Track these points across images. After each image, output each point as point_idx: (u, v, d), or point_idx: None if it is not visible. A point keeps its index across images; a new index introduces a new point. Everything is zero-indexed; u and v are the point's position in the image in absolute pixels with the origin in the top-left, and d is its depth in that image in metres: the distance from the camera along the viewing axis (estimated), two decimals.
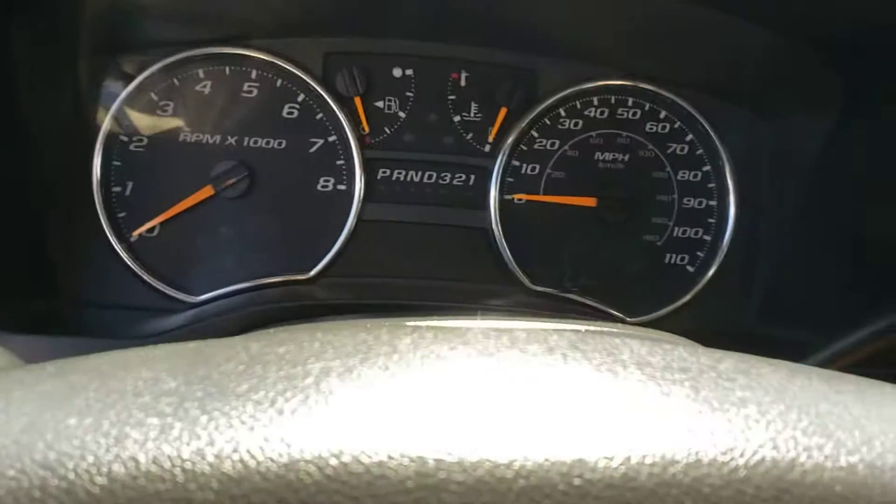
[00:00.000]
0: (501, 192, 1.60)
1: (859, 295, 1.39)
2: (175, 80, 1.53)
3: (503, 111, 1.60)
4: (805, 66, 1.44)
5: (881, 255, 1.39)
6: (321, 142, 1.57)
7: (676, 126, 1.64)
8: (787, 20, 1.35)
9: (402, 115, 1.60)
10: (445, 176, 1.61)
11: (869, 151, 1.43)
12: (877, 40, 1.29)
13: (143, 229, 1.51)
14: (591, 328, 0.93)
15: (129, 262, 1.50)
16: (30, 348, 1.19)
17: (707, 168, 1.65)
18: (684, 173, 1.65)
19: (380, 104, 1.59)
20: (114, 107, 1.50)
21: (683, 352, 0.56)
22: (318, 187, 1.57)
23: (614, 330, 0.94)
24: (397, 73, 1.59)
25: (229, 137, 1.54)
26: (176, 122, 1.53)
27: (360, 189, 1.56)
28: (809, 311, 1.52)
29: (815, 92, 1.48)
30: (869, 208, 1.43)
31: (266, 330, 1.16)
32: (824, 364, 1.17)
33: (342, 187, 1.57)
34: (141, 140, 1.52)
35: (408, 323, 0.73)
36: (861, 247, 1.43)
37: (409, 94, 1.60)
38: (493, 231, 1.59)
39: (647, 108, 1.64)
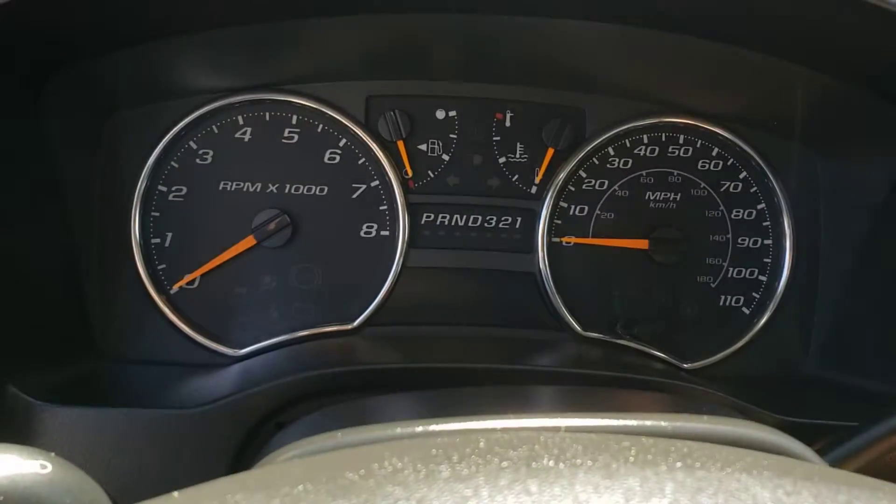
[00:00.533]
0: (549, 234, 1.56)
1: None
2: (214, 128, 1.50)
3: (550, 151, 1.56)
4: (866, 105, 1.38)
5: None
6: (364, 187, 1.53)
7: (730, 163, 1.59)
8: (838, 62, 1.29)
9: (445, 157, 1.55)
10: (491, 219, 1.56)
11: None
12: None
13: (183, 282, 1.48)
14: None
15: (170, 316, 1.47)
16: (75, 419, 1.17)
17: (762, 206, 1.59)
18: (738, 212, 1.59)
19: (423, 147, 1.55)
20: (152, 157, 1.47)
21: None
22: (361, 234, 1.53)
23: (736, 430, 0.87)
24: (440, 114, 1.55)
25: (270, 185, 1.50)
26: (216, 171, 1.50)
27: (405, 234, 1.52)
28: (871, 356, 1.45)
29: (878, 131, 1.41)
30: None
31: None
32: None
33: (385, 233, 1.53)
34: (180, 190, 1.49)
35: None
36: None
37: (452, 136, 1.55)
38: (541, 275, 1.55)
39: (698, 145, 1.58)
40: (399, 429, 0.84)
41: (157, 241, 1.49)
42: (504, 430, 0.84)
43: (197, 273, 1.48)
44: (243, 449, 1.19)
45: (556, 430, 0.81)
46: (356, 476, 0.55)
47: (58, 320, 1.38)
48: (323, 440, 0.85)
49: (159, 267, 1.48)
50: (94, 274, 1.45)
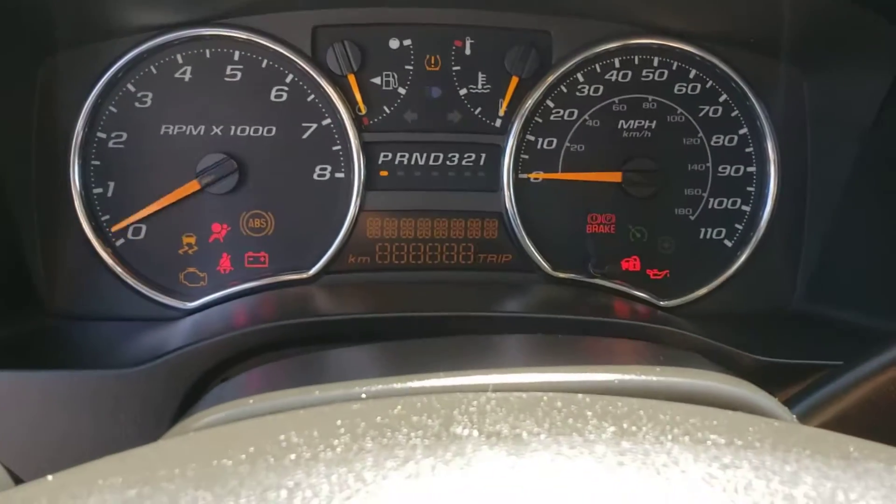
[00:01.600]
0: (516, 171, 1.46)
1: None
2: (153, 68, 1.40)
3: (514, 80, 1.45)
4: (855, 14, 1.26)
5: None
6: (314, 126, 1.43)
7: (709, 86, 1.47)
8: None
9: (401, 91, 1.45)
10: (453, 157, 1.46)
11: None
12: None
13: (124, 223, 1.39)
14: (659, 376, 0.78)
15: (115, 269, 1.39)
16: (6, 384, 1.10)
17: (744, 131, 1.48)
18: (718, 138, 1.48)
19: (377, 80, 1.44)
20: (88, 101, 1.37)
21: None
22: (314, 177, 1.44)
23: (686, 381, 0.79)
24: (394, 44, 1.44)
25: (215, 128, 1.41)
26: (157, 115, 1.40)
27: (360, 176, 1.43)
28: (862, 290, 1.36)
29: (867, 44, 1.30)
30: None
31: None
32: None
33: (340, 175, 1.44)
34: (120, 136, 1.40)
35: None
36: None
37: (408, 67, 1.45)
38: (508, 215, 1.45)
39: (674, 67, 1.47)
40: (318, 392, 0.77)
41: (99, 190, 1.40)
42: (432, 389, 0.76)
43: (139, 216, 1.39)
44: (184, 410, 1.12)
45: (485, 389, 0.73)
46: (239, 457, 0.51)
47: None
48: (233, 407, 0.78)
49: (102, 218, 1.40)
50: (35, 228, 1.37)
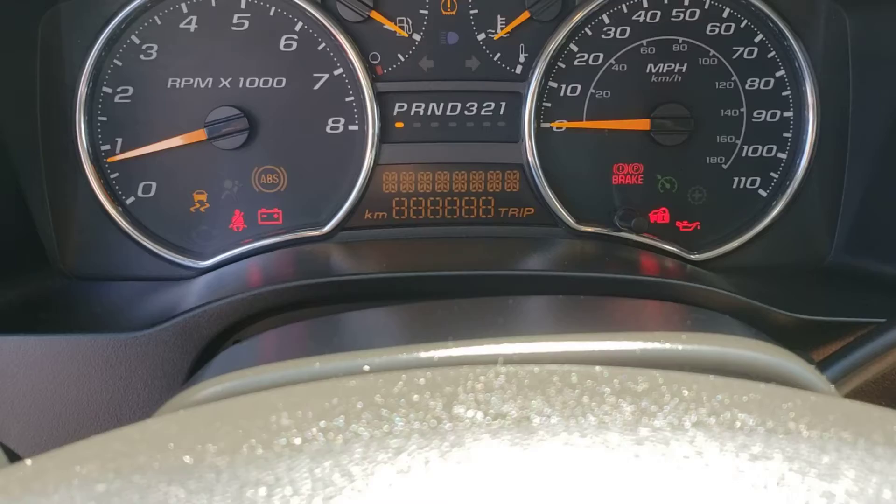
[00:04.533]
0: (538, 120, 1.39)
1: None
2: (157, 19, 1.34)
3: (535, 23, 1.37)
4: None
5: None
6: (326, 76, 1.37)
7: (743, 25, 1.39)
8: None
9: (416, 37, 1.38)
10: (471, 106, 1.40)
11: None
12: None
13: (124, 156, 1.35)
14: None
15: (126, 228, 1.36)
16: (18, 348, 1.08)
17: (781, 73, 1.39)
18: (754, 81, 1.40)
19: (390, 27, 1.37)
20: (92, 55, 1.32)
21: None
22: (327, 129, 1.38)
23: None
24: None
25: (223, 80, 1.36)
26: (163, 67, 1.35)
27: (375, 128, 1.37)
28: None
29: None
30: None
31: None
32: None
33: (354, 128, 1.38)
34: (126, 91, 1.35)
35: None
36: None
37: (423, 11, 1.38)
38: (529, 166, 1.39)
39: (706, 5, 1.38)
40: (318, 364, 0.73)
41: (107, 147, 1.36)
42: (439, 360, 0.72)
43: (141, 151, 1.35)
44: (195, 372, 1.10)
45: (495, 360, 0.69)
46: (220, 445, 0.48)
47: (7, 238, 1.29)
48: (230, 380, 0.74)
49: (112, 176, 1.36)
50: (44, 188, 1.34)
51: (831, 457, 0.45)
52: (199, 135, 1.35)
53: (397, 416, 0.51)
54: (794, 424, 0.50)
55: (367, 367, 0.70)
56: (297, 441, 0.48)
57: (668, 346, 0.73)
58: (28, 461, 0.47)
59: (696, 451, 0.45)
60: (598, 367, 0.59)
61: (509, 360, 0.69)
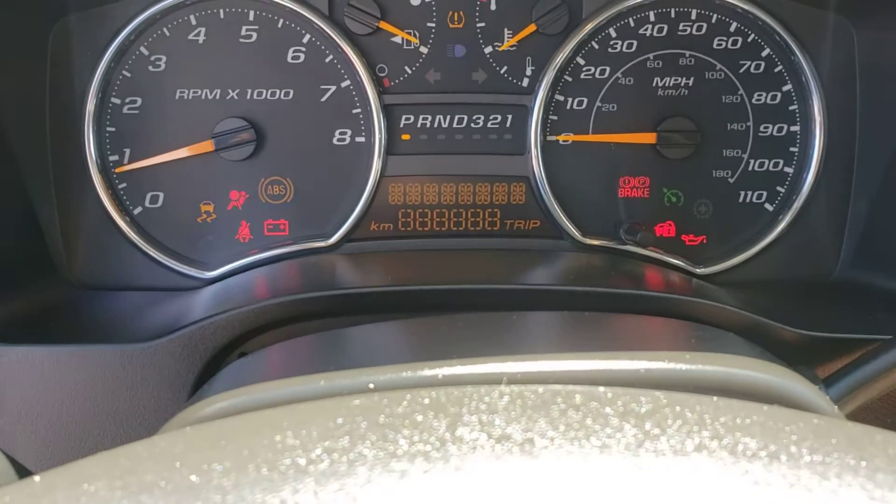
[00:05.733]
0: (544, 132, 1.39)
1: None
2: (166, 31, 1.35)
3: (542, 37, 1.37)
4: None
5: None
6: (333, 88, 1.37)
7: (750, 39, 1.39)
8: None
9: (423, 50, 1.38)
10: (478, 119, 1.40)
11: None
12: None
13: (132, 167, 1.36)
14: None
15: (133, 238, 1.37)
16: (25, 359, 1.09)
17: (788, 88, 1.40)
18: (760, 95, 1.40)
19: (397, 40, 1.38)
20: (101, 66, 1.33)
21: None
22: (334, 141, 1.39)
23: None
24: (415, 0, 1.37)
25: (231, 91, 1.36)
26: (171, 78, 1.36)
27: (381, 140, 1.37)
28: None
29: None
30: None
31: None
32: None
33: (360, 139, 1.38)
34: (135, 101, 1.36)
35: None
36: None
37: (430, 24, 1.38)
38: (535, 179, 1.39)
39: (713, 20, 1.38)
40: (323, 382, 0.74)
41: (115, 158, 1.37)
42: (444, 379, 0.72)
43: (149, 161, 1.36)
44: (202, 383, 1.10)
45: (499, 380, 0.69)
46: (226, 464, 0.48)
47: (16, 248, 1.30)
48: (236, 396, 0.75)
49: (120, 187, 1.37)
50: (52, 197, 1.35)
51: (832, 483, 0.45)
52: (207, 146, 1.35)
53: (401, 437, 0.51)
54: (797, 448, 0.50)
55: (372, 385, 0.71)
56: (302, 462, 0.48)
57: (672, 366, 0.73)
58: (36, 477, 0.48)
59: (698, 476, 0.45)
60: (601, 388, 0.59)
61: (513, 379, 0.69)
